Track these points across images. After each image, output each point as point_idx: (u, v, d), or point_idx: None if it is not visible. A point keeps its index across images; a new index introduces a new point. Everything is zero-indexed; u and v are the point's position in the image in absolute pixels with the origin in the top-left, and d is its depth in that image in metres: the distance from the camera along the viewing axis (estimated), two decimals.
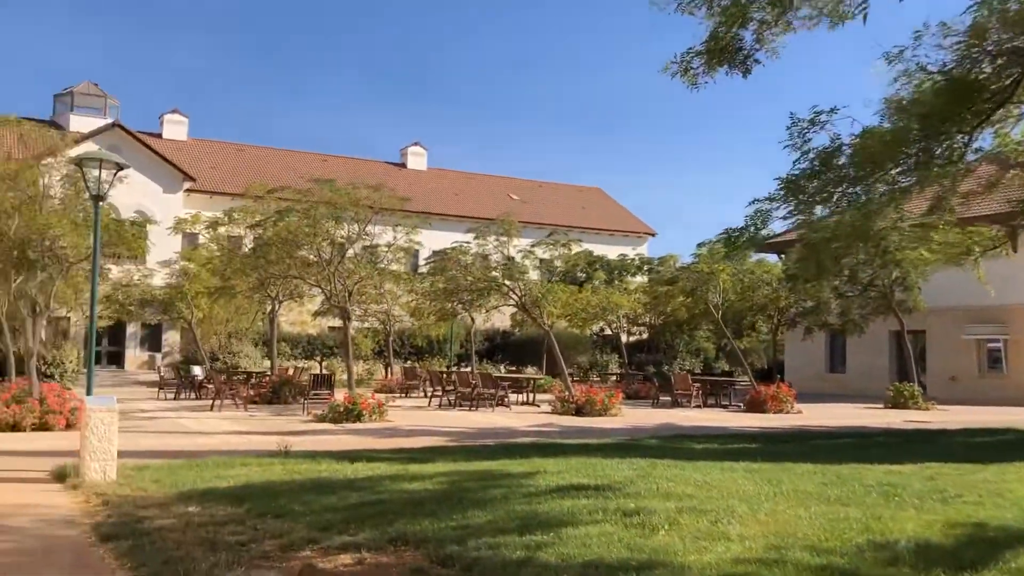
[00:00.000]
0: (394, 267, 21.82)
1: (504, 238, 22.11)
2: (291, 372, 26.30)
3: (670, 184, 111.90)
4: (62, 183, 18.26)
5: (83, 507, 8.79)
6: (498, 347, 46.01)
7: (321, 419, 18.52)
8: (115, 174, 11.64)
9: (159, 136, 47.28)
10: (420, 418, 19.83)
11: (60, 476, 10.45)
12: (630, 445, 14.57)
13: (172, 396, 25.34)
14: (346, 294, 19.56)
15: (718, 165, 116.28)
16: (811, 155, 10.79)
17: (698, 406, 24.90)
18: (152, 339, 41.36)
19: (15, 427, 15.52)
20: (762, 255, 35.66)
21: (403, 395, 27.53)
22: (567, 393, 21.64)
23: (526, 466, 11.10)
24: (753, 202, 11.55)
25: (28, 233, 16.35)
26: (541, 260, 23.11)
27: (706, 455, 12.98)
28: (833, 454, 13.23)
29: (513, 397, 24.09)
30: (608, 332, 46.00)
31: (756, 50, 9.28)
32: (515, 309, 32.20)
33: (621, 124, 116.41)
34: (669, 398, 25.78)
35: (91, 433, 10.17)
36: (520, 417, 20.60)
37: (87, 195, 18.65)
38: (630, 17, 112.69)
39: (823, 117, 10.76)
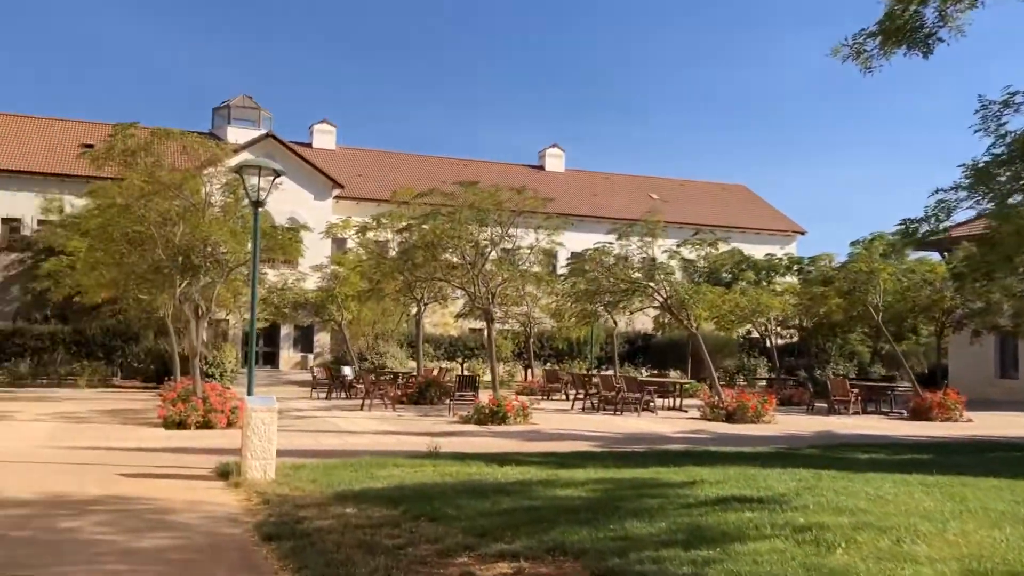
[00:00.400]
0: (535, 269, 21.68)
1: (648, 238, 21.61)
2: (436, 373, 26.65)
3: (819, 181, 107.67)
4: (222, 191, 19.12)
5: (245, 505, 9.01)
6: (639, 350, 45.29)
7: (466, 420, 18.60)
8: (272, 180, 11.98)
9: (309, 146, 49.14)
10: (564, 421, 19.62)
11: (223, 473, 10.79)
12: (788, 454, 13.85)
13: (324, 395, 26.16)
14: (489, 296, 19.58)
15: (870, 160, 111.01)
16: (1008, 139, 9.80)
17: (856, 413, 23.60)
18: (304, 340, 42.95)
19: (181, 424, 16.29)
20: (923, 253, 33.58)
21: (544, 397, 27.41)
22: (717, 398, 20.92)
23: (682, 475, 10.65)
24: (936, 192, 10.69)
25: (192, 240, 17.17)
26: (686, 260, 22.45)
27: (873, 466, 12.14)
28: (1018, 468, 12.12)
29: (658, 402, 23.51)
30: (755, 335, 44.52)
31: (939, 27, 8.51)
32: (658, 311, 31.73)
33: (766, 120, 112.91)
34: (825, 404, 24.55)
35: (252, 432, 10.45)
36: (667, 422, 20.06)
37: (246, 202, 19.58)
38: (772, 10, 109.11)
39: (1018, 99, 9.79)
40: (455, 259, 19.53)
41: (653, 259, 21.74)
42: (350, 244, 37.74)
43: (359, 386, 26.66)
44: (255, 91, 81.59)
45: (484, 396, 20.24)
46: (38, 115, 45.80)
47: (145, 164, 16.97)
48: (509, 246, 19.85)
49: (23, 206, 38.84)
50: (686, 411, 23.05)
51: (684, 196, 56.92)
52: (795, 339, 45.55)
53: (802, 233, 57.96)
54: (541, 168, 55.67)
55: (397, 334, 37.15)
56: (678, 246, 22.48)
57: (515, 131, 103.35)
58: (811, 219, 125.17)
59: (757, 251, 47.86)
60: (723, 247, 23.72)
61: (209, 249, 17.33)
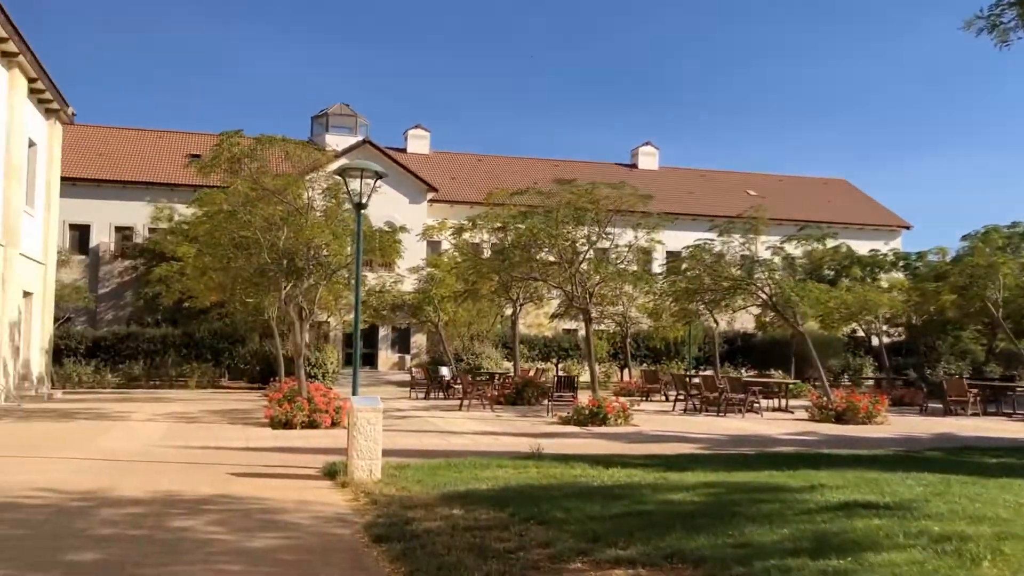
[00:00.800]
0: (633, 268, 21.29)
1: (751, 234, 20.99)
2: (532, 373, 26.53)
3: (923, 176, 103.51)
4: (323, 196, 19.42)
5: (353, 505, 9.01)
6: (739, 350, 44.24)
7: (566, 421, 18.39)
8: (374, 183, 12.02)
9: (404, 151, 49.83)
10: (666, 423, 19.21)
11: (330, 473, 10.86)
12: (908, 457, 13.17)
13: (423, 396, 26.35)
14: (586, 296, 19.33)
15: (977, 153, 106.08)
16: None
17: (976, 414, 22.42)
18: (402, 341, 43.54)
19: (287, 424, 16.57)
20: None
21: (643, 399, 26.97)
22: (825, 399, 20.15)
23: (798, 479, 10.20)
24: None
25: (295, 243, 17.48)
26: (788, 257, 21.69)
27: (1006, 471, 11.39)
28: None
29: (763, 403, 22.81)
30: (860, 333, 42.90)
31: None
32: (760, 310, 30.85)
33: (866, 114, 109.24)
34: (940, 405, 23.40)
35: (358, 433, 10.48)
36: (773, 424, 19.42)
37: (347, 205, 19.85)
38: (868, 3, 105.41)
39: None
40: (552, 258, 19.33)
41: (755, 256, 21.09)
42: (445, 246, 38.10)
43: (457, 386, 26.81)
44: (351, 99, 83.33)
45: (582, 397, 20.01)
46: (144, 127, 47.85)
47: (250, 170, 17.36)
48: (606, 245, 19.52)
49: (135, 215, 40.52)
50: (792, 412, 22.30)
51: (783, 192, 55.41)
52: (902, 337, 43.81)
53: (907, 228, 55.70)
54: (634, 167, 55.06)
55: (492, 335, 37.23)
56: (783, 242, 21.76)
57: (606, 132, 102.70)
58: (915, 214, 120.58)
59: (860, 247, 46.14)
60: (831, 243, 22.74)
61: (312, 252, 17.59)
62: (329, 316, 33.27)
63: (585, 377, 28.65)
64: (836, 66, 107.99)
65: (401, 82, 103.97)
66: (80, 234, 41.31)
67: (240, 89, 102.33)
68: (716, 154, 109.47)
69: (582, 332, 44.04)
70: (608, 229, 19.03)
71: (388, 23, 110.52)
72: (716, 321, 27.53)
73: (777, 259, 21.14)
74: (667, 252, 30.85)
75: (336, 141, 44.80)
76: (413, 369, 28.43)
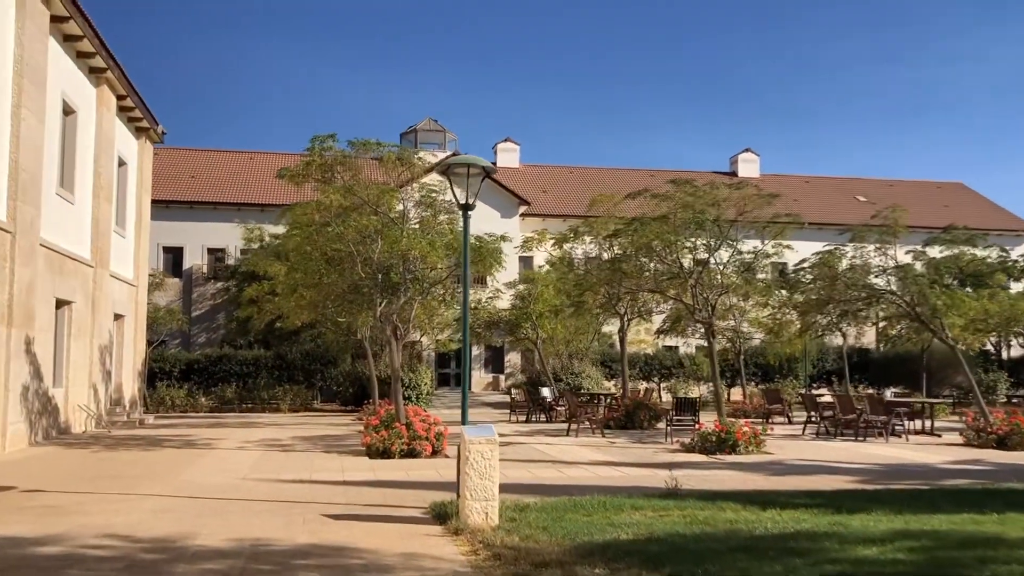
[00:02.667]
0: (761, 276, 19.29)
1: (890, 239, 18.81)
2: (643, 394, 24.69)
3: None
4: (417, 208, 18.12)
5: (471, 559, 7.46)
6: (855, 366, 41.38)
7: (689, 449, 16.53)
8: (480, 181, 10.55)
9: (493, 164, 48.70)
10: (802, 449, 17.14)
11: (440, 516, 9.35)
12: None
13: (523, 419, 24.79)
14: (710, 308, 17.45)
15: None
16: None
17: None
18: (495, 361, 42.18)
19: (384, 453, 15.21)
20: None
21: (764, 420, 24.76)
22: (983, 420, 17.75)
23: (1013, 527, 8.22)
24: None
25: (390, 256, 16.17)
26: (933, 263, 19.30)
27: None
28: None
29: (905, 425, 20.41)
30: (988, 346, 39.60)
31: None
32: (883, 323, 28.30)
33: (978, 117, 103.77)
34: None
35: (471, 469, 8.94)
36: (926, 450, 17.14)
37: (442, 216, 18.50)
38: (978, 5, 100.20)
39: None
40: (670, 267, 17.53)
41: (896, 262, 18.89)
42: (538, 262, 36.56)
43: (560, 408, 25.17)
44: (439, 115, 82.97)
45: (704, 421, 18.16)
46: (232, 148, 47.93)
47: (343, 179, 16.17)
48: (727, 253, 17.61)
49: (226, 236, 40.34)
50: (939, 436, 19.89)
51: (894, 197, 51.90)
52: None
53: (975, 247, 51.73)
54: (734, 174, 52.63)
55: (591, 353, 35.44)
56: (924, 245, 19.51)
57: (700, 141, 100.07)
58: None
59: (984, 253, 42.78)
60: (979, 246, 20.30)
61: (408, 265, 16.27)
62: (422, 335, 32.06)
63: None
64: (935, 68, 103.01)
65: (488, 98, 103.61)
66: (173, 256, 41.34)
67: (327, 111, 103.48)
68: (819, 160, 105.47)
69: (684, 349, 42.06)
70: (731, 235, 17.15)
71: (473, 41, 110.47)
72: (844, 335, 25.17)
73: (919, 265, 18.86)
74: (772, 264, 28.71)
75: (425, 157, 43.98)
76: (512, 390, 26.85)
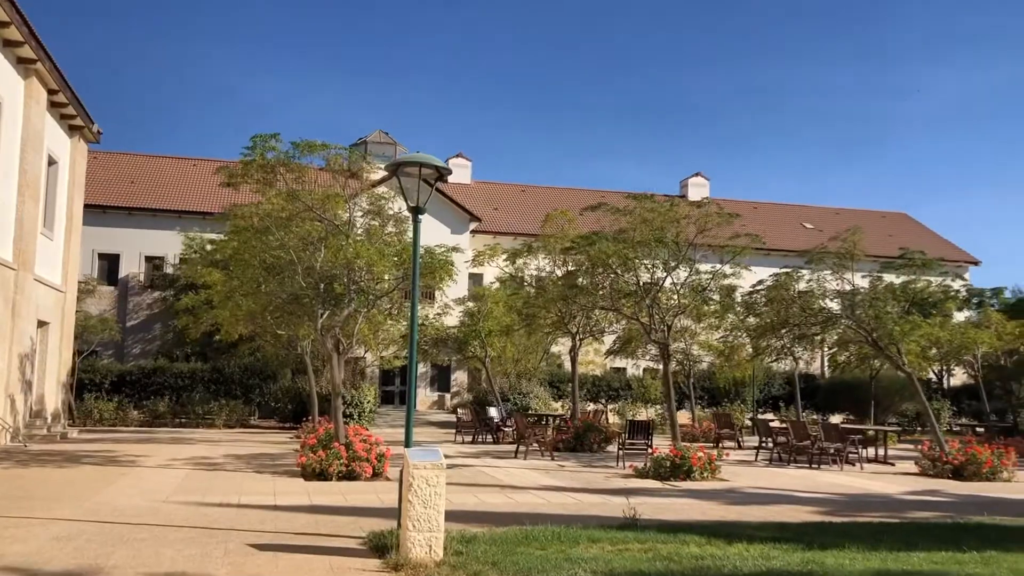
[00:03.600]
0: (715, 298, 18.76)
1: (848, 262, 18.49)
2: (592, 416, 24.02)
3: (989, 208, 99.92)
4: (365, 216, 17.27)
5: None
6: (802, 392, 41.32)
7: (642, 474, 15.84)
8: (434, 185, 9.79)
9: (441, 185, 47.88)
10: (757, 477, 16.57)
11: (378, 548, 8.49)
12: None
13: (470, 439, 23.93)
14: (665, 328, 16.86)
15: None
16: None
17: None
18: (441, 379, 41.19)
19: (321, 475, 14.25)
20: None
21: (714, 445, 24.25)
22: (939, 450, 17.41)
23: (996, 568, 7.65)
24: None
25: (335, 265, 15.27)
26: (891, 288, 18.99)
27: None
28: None
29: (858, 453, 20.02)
30: (932, 375, 39.86)
31: None
32: (833, 348, 28.04)
33: (924, 147, 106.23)
34: None
35: (414, 496, 8.11)
36: (882, 479, 16.71)
37: (390, 228, 17.67)
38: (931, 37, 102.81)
39: None
40: (626, 285, 16.90)
41: (853, 287, 18.56)
42: (488, 279, 35.83)
43: (507, 429, 24.38)
44: (390, 129, 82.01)
45: (658, 444, 17.53)
46: (176, 155, 46.40)
47: (286, 181, 15.23)
48: (684, 273, 17.06)
49: (166, 244, 38.82)
50: (892, 464, 19.54)
51: (840, 225, 52.35)
52: (969, 380, 40.65)
53: (975, 263, 52.79)
54: (684, 198, 52.59)
55: (539, 372, 34.71)
56: (880, 271, 19.25)
57: (650, 165, 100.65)
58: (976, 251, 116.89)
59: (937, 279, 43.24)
60: (935, 272, 20.08)
61: (353, 276, 15.39)
62: (366, 351, 31.01)
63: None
64: (881, 102, 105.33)
65: (440, 116, 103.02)
66: (109, 264, 39.61)
67: (274, 124, 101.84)
68: (766, 187, 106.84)
69: (632, 371, 41.57)
70: (689, 255, 16.61)
71: (426, 58, 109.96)
72: (796, 360, 24.84)
73: (875, 290, 18.55)
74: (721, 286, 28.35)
75: (376, 170, 42.99)
76: (459, 410, 25.99)
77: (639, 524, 9.85)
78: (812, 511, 12.09)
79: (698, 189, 53.30)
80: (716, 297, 18.61)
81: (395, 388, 40.51)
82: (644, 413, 36.28)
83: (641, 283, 16.53)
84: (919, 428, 36.66)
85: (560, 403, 35.63)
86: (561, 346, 36.21)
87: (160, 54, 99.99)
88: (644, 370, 39.97)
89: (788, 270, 19.47)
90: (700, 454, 15.64)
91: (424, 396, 41.02)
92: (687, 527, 9.90)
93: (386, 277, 15.83)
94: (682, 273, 17.06)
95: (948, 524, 10.77)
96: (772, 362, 25.08)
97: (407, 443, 9.36)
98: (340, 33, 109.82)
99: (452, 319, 30.71)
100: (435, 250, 15.95)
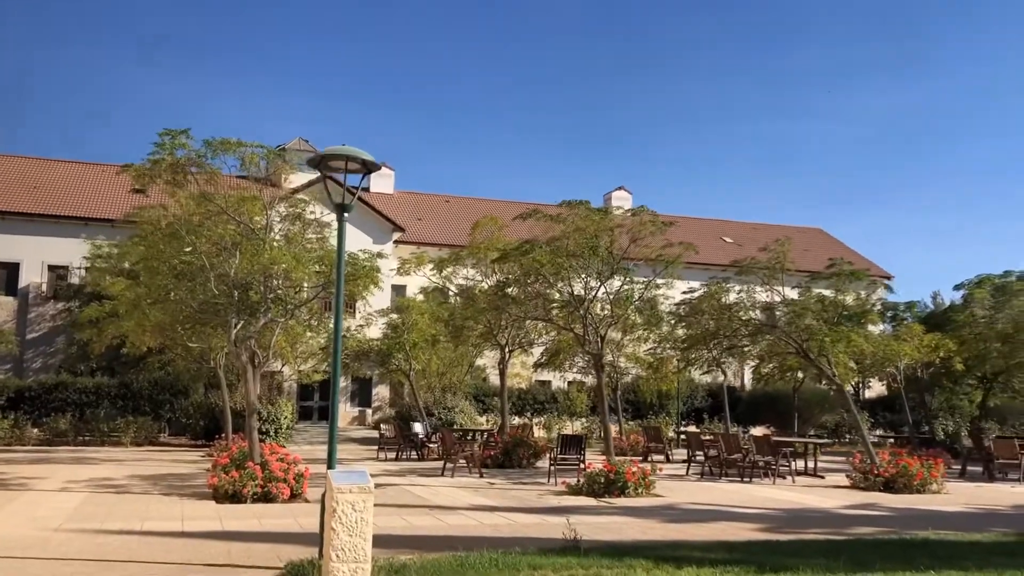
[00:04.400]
0: (643, 310, 18.34)
1: (779, 274, 18.34)
2: (520, 430, 23.37)
3: (897, 226, 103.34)
4: (283, 221, 16.31)
5: None
6: (721, 404, 41.57)
7: (576, 491, 15.25)
8: (361, 180, 9.03)
9: (367, 189, 46.80)
10: (691, 492, 16.15)
11: None
12: None
13: (393, 456, 23.01)
14: (599, 339, 16.34)
15: (950, 204, 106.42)
16: None
17: None
18: (363, 393, 40.02)
19: (234, 497, 13.24)
20: None
21: (642, 459, 23.87)
22: (870, 462, 17.30)
23: None
24: None
25: (251, 272, 14.28)
26: (823, 300, 18.89)
27: None
28: None
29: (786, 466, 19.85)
30: (849, 387, 40.54)
31: None
32: (756, 361, 28.00)
33: (840, 166, 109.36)
34: (980, 469, 20.76)
35: (338, 524, 7.31)
36: (815, 493, 16.49)
37: (310, 234, 16.72)
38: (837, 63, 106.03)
39: None
40: (559, 295, 16.33)
41: (783, 299, 18.41)
42: (411, 290, 34.92)
43: (432, 445, 23.55)
44: (312, 138, 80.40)
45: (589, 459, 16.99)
46: (82, 160, 44.25)
47: (197, 182, 14.18)
48: (618, 282, 16.60)
49: (70, 253, 36.76)
50: (822, 477, 19.42)
51: (758, 240, 53.25)
52: (884, 392, 41.46)
53: (888, 278, 54.19)
54: (607, 211, 52.69)
55: (464, 386, 33.92)
56: (810, 280, 19.18)
57: (574, 178, 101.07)
58: (894, 266, 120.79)
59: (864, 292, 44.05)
60: (861, 285, 20.12)
61: (275, 283, 14.43)
62: (283, 364, 29.75)
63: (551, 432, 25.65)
64: (796, 122, 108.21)
65: (360, 126, 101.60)
66: (8, 273, 37.31)
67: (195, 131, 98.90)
68: (685, 202, 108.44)
69: (556, 384, 41.12)
70: (623, 264, 16.15)
71: (347, 68, 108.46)
72: (724, 372, 24.67)
73: (806, 301, 18.44)
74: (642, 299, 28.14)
75: (293, 179, 41.66)
76: (382, 425, 25.01)
77: (581, 547, 9.21)
78: (754, 528, 11.66)
79: (621, 203, 53.40)
80: (647, 309, 18.21)
81: (314, 403, 39.16)
82: (571, 426, 35.86)
83: (574, 293, 15.98)
84: (837, 440, 37.16)
85: (486, 417, 34.92)
86: (486, 359, 35.57)
87: (60, 58, 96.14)
88: (570, 383, 39.60)
89: (718, 281, 19.23)
90: (635, 469, 15.14)
91: (345, 411, 39.77)
92: (631, 549, 9.31)
93: (305, 285, 14.91)
94: (616, 283, 16.60)
95: (896, 541, 10.44)
96: (703, 374, 24.88)
97: (330, 463, 8.56)
98: (256, 40, 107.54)
99: (375, 331, 29.73)
100: (358, 256, 15.09)
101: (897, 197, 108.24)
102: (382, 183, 48.21)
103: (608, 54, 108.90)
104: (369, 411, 39.49)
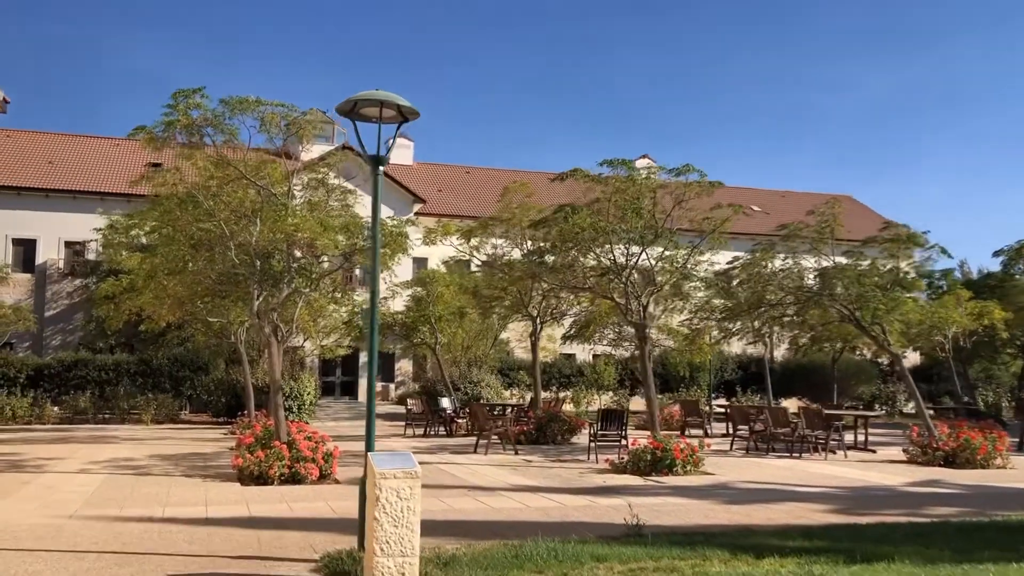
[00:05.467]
0: (690, 277, 17.30)
1: (829, 239, 17.33)
2: (553, 404, 22.51)
3: (922, 193, 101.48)
4: (304, 189, 15.40)
5: None
6: (753, 376, 40.54)
7: (620, 469, 14.38)
8: (396, 130, 8.09)
9: (405, 138, 45.68)
10: (741, 469, 15.24)
11: (336, 575, 6.84)
12: None
13: (421, 432, 22.24)
14: (640, 309, 15.38)
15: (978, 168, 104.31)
16: None
17: None
18: (385, 368, 39.31)
19: (260, 478, 12.45)
20: None
21: (680, 434, 22.99)
22: (928, 436, 16.32)
23: None
24: None
25: (272, 241, 13.41)
26: (874, 265, 17.77)
27: None
28: None
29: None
30: (883, 358, 39.36)
31: None
32: (794, 332, 26.95)
33: (863, 134, 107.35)
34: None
35: (383, 513, 6.45)
36: (873, 469, 15.54)
37: (334, 202, 15.76)
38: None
39: None
40: (598, 261, 15.33)
41: (833, 263, 17.37)
42: (432, 263, 34.00)
43: (460, 421, 22.78)
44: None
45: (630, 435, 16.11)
46: (101, 135, 43.50)
47: (214, 144, 13.28)
48: (660, 248, 15.55)
49: (87, 229, 36.08)
50: (873, 450, 18.48)
51: (787, 208, 52.02)
52: (919, 362, 40.30)
53: (920, 246, 52.76)
54: (632, 180, 51.47)
55: (490, 360, 33.04)
56: (860, 246, 18.13)
57: (594, 152, 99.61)
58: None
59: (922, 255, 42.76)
60: (923, 246, 19.06)
61: (297, 253, 13.57)
62: (305, 339, 29.00)
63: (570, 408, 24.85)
64: (809, 93, 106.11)
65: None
66: (25, 249, 36.69)
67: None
68: (711, 169, 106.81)
69: (582, 357, 40.15)
70: (666, 228, 15.13)
71: (362, 41, 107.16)
72: (766, 343, 23.67)
73: (858, 266, 17.36)
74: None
75: (311, 151, 40.73)
76: (408, 400, 24.19)
77: (643, 533, 8.35)
78: (825, 509, 10.75)
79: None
80: (692, 276, 17.19)
81: (336, 378, 38.53)
82: (599, 400, 35.00)
83: (616, 260, 15.00)
84: (888, 411, 36.08)
85: (511, 392, 34.12)
86: (509, 332, 34.69)
87: (79, 34, 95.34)
88: (594, 356, 38.68)
89: (763, 246, 18.19)
90: (682, 445, 14.24)
91: (367, 386, 39.09)
92: (700, 536, 8.43)
93: (326, 257, 14.05)
94: (657, 249, 15.58)
95: (989, 524, 9.48)
96: (749, 344, 23.87)
97: (368, 445, 7.70)
98: (268, 15, 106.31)
99: (398, 304, 28.95)
100: (386, 223, 14.17)
101: (926, 164, 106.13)
102: (401, 154, 47.18)
103: (623, 27, 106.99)
104: (392, 386, 38.81)
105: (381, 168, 7.86)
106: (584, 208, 14.90)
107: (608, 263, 14.95)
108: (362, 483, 7.39)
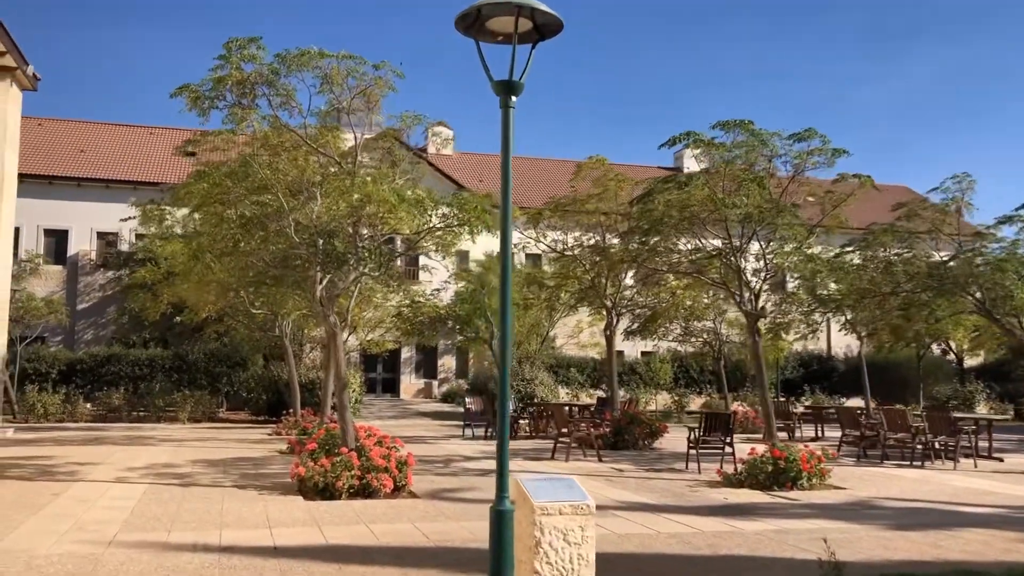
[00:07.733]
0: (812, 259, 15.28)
1: (953, 218, 15.29)
2: (629, 405, 20.59)
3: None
4: (371, 158, 13.63)
5: None
6: (815, 374, 38.39)
7: (733, 482, 12.44)
8: (534, 47, 6.15)
9: (425, 150, 44.13)
10: (869, 481, 13.24)
11: None
12: None
13: (482, 434, 20.41)
14: (753, 297, 13.43)
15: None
16: None
17: None
18: (427, 364, 37.59)
19: (325, 491, 10.65)
20: None
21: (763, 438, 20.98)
22: None
23: None
24: None
25: (337, 215, 11.60)
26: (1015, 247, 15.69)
27: None
28: None
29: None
30: (951, 355, 37.04)
31: None
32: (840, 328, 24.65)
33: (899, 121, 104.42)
34: None
35: (544, 564, 4.61)
36: (1019, 481, 13.49)
37: (402, 178, 13.94)
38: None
39: None
40: (714, 241, 13.38)
41: (961, 246, 15.34)
42: (474, 255, 32.20)
43: (523, 422, 20.97)
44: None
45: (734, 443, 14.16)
46: (132, 123, 42.10)
47: (270, 103, 11.48)
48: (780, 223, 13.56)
49: (119, 219, 34.65)
50: (1000, 459, 16.40)
51: (839, 198, 49.75)
52: (981, 359, 37.84)
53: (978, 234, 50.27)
54: (678, 170, 49.29)
55: (543, 356, 31.17)
56: (991, 227, 16.07)
57: (635, 140, 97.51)
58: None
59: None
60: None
61: (364, 231, 11.76)
62: (350, 333, 27.29)
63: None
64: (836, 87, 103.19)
65: (417, 88, 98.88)
66: (57, 240, 35.33)
67: None
68: None
69: (629, 354, 38.06)
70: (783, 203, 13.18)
71: (402, 33, 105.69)
72: (862, 339, 21.56)
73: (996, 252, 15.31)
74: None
75: (351, 136, 39.09)
76: (468, 399, 22.38)
77: (843, 571, 6.42)
78: (1011, 536, 8.77)
79: (693, 161, 50.16)
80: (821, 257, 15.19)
81: (377, 375, 36.86)
82: (655, 400, 33.07)
83: (732, 238, 13.04)
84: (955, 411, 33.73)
85: (566, 391, 32.25)
86: (558, 328, 32.81)
87: (122, 35, 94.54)
88: (644, 353, 36.71)
89: (883, 227, 16.16)
90: (808, 455, 12.27)
91: (409, 383, 37.39)
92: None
93: (405, 230, 12.22)
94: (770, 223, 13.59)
95: None
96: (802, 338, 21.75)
97: (501, 470, 5.77)
98: (313, 9, 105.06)
99: (447, 297, 27.27)
100: (466, 197, 12.28)
101: (970, 153, 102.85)
102: (441, 144, 45.62)
103: (652, 13, 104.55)
104: (435, 383, 37.08)
105: (513, 99, 5.96)
106: (698, 176, 12.95)
107: (723, 243, 12.98)
108: (497, 515, 5.53)
